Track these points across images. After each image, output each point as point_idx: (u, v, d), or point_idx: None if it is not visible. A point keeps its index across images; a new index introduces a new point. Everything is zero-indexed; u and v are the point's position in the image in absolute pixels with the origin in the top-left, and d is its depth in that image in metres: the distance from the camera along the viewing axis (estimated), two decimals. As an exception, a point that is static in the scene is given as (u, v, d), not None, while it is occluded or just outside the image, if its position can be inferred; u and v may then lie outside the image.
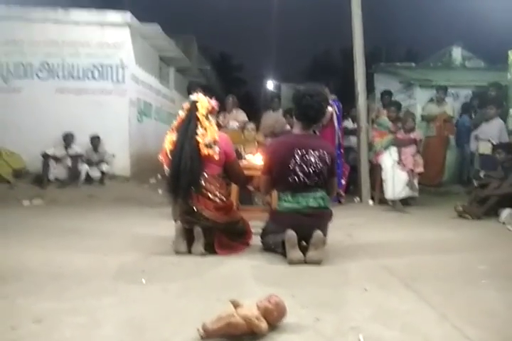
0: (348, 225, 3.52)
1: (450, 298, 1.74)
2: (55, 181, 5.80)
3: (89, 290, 1.78)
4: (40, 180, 5.73)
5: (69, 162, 5.85)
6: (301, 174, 2.41)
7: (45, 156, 5.79)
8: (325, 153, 2.46)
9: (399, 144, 4.97)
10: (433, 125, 6.30)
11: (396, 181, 4.78)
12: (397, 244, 2.89)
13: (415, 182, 4.91)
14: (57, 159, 5.85)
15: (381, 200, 5.15)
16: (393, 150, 4.98)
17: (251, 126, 4.50)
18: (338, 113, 5.30)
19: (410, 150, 4.95)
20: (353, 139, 6.18)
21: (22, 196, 5.15)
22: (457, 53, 10.25)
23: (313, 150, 2.43)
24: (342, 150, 5.41)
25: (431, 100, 6.78)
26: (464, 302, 1.70)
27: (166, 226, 3.01)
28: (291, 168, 2.41)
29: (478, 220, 3.97)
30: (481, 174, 4.49)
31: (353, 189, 5.92)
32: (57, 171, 5.85)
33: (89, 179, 5.92)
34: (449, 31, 19.93)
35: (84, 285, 1.84)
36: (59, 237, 2.94)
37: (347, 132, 6.07)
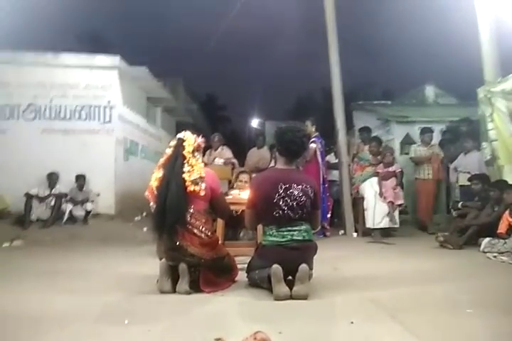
0: (333, 258, 3.54)
1: (435, 329, 1.74)
2: (38, 221, 5.66)
3: (69, 333, 1.72)
4: (22, 220, 5.59)
5: (52, 202, 5.77)
6: (285, 208, 2.44)
7: (28, 196, 5.70)
8: (308, 186, 2.52)
9: (380, 178, 5.14)
10: (422, 167, 5.84)
11: (377, 211, 4.90)
12: (382, 276, 2.90)
13: (395, 214, 5.03)
14: (40, 199, 5.77)
15: (364, 232, 5.21)
16: (374, 181, 5.14)
17: (245, 178, 4.23)
18: (321, 149, 5.50)
19: (391, 183, 5.12)
20: (335, 173, 6.34)
21: (2, 237, 4.98)
22: (430, 91, 10.91)
23: (296, 184, 2.50)
24: (326, 185, 5.54)
25: (419, 144, 6.15)
26: (449, 332, 1.70)
27: (151, 264, 2.96)
28: (276, 201, 2.45)
29: (460, 250, 4.04)
30: (459, 204, 4.61)
31: (337, 222, 5.98)
32: (39, 211, 5.74)
33: (72, 218, 5.81)
34: (422, 71, 21.30)
35: (65, 329, 1.77)
36: (39, 279, 2.85)
37: (329, 166, 6.25)
